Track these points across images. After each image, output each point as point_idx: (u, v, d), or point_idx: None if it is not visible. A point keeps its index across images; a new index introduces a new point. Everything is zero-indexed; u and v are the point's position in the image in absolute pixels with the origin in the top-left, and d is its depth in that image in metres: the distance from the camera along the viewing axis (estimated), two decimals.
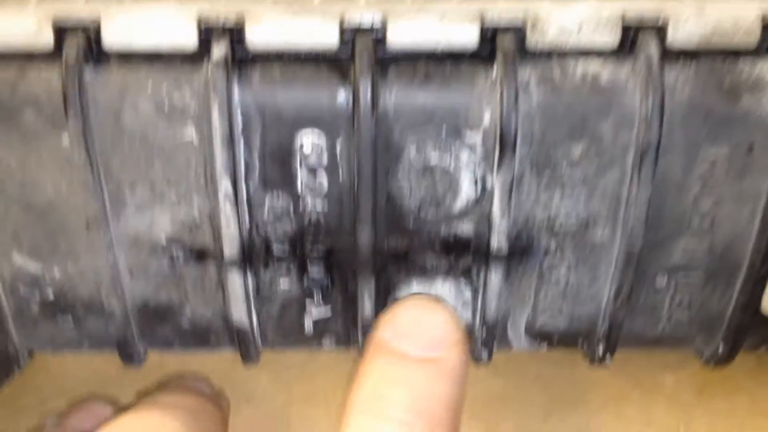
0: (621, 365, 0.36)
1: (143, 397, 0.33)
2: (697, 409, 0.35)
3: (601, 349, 0.33)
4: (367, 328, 0.32)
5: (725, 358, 0.34)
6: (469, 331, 0.33)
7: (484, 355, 0.34)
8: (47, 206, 0.30)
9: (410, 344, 0.27)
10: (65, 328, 0.33)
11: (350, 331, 0.33)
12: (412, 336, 0.27)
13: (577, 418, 0.35)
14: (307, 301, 0.32)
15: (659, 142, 0.28)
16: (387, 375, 0.26)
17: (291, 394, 0.35)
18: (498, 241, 0.30)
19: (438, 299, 0.30)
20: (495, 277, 0.31)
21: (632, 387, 0.36)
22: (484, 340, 0.33)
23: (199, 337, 0.33)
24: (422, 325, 0.27)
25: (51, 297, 0.32)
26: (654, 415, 0.35)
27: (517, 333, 0.33)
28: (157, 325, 0.33)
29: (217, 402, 0.33)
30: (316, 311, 0.33)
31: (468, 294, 0.32)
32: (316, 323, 0.33)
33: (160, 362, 0.36)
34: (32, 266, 0.31)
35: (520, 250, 0.31)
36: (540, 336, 0.34)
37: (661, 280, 0.32)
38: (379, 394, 0.26)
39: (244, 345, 0.33)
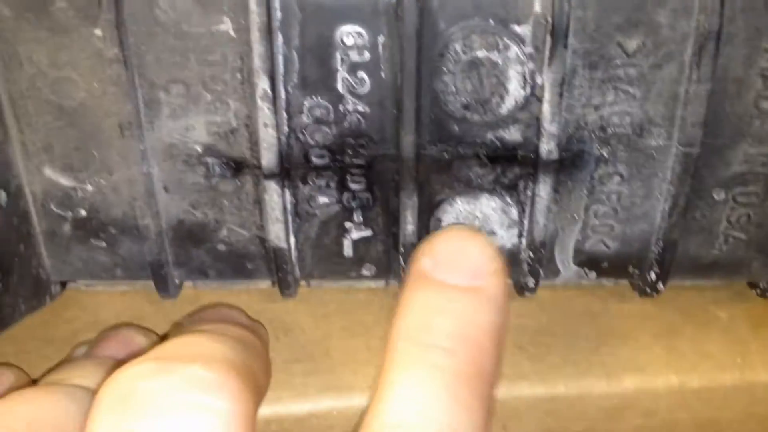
0: (670, 301, 0.33)
1: (179, 327, 0.30)
2: (753, 343, 0.31)
3: (653, 274, 0.30)
4: (409, 251, 0.29)
5: None
6: (515, 255, 0.30)
7: (531, 282, 0.30)
8: (79, 108, 0.27)
9: (451, 274, 0.25)
10: (98, 253, 0.30)
11: (391, 258, 0.30)
12: (453, 266, 0.25)
13: (627, 352, 0.31)
14: (347, 220, 0.29)
15: (720, 31, 0.25)
16: (429, 304, 0.24)
17: (329, 327, 0.32)
18: (547, 147, 0.27)
19: (476, 229, 0.27)
20: (543, 190, 0.28)
21: (684, 322, 0.32)
22: (530, 265, 0.30)
23: (236, 262, 0.30)
24: (462, 255, 0.25)
25: (83, 216, 0.29)
26: (709, 348, 0.31)
27: (565, 258, 0.30)
28: (193, 247, 0.30)
29: (257, 332, 0.30)
30: (356, 231, 0.29)
31: (514, 212, 0.29)
32: (356, 245, 0.30)
33: (195, 297, 0.33)
34: (64, 181, 0.29)
35: (571, 159, 0.28)
36: (589, 262, 0.30)
37: (719, 194, 0.28)
38: (422, 323, 0.24)
39: (281, 270, 0.30)
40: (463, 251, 0.25)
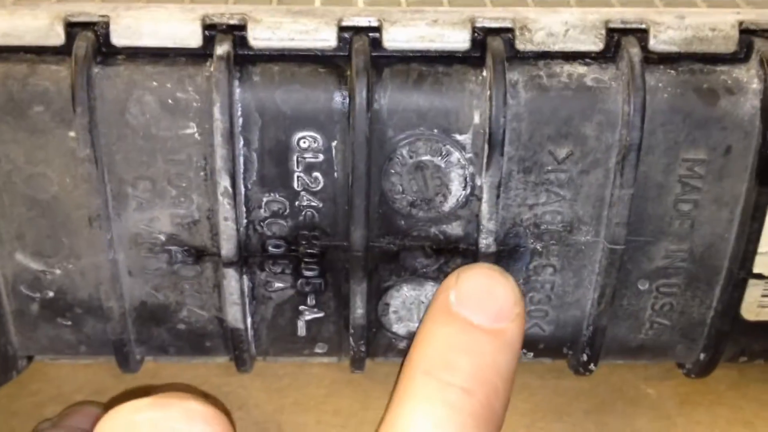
0: (604, 378, 0.36)
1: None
2: (678, 419, 0.34)
3: (585, 356, 0.33)
4: (359, 332, 0.32)
5: (706, 368, 0.34)
6: None
7: None
8: (52, 201, 0.30)
9: (476, 313, 0.27)
10: (64, 331, 0.33)
11: (342, 338, 0.33)
12: (478, 305, 0.27)
13: (560, 427, 0.34)
14: (301, 303, 0.32)
15: (641, 143, 0.28)
16: (452, 341, 0.26)
17: (282, 401, 0.35)
18: (486, 241, 0.30)
19: (501, 269, 0.29)
20: None
21: (615, 398, 0.35)
22: None
23: (195, 341, 0.33)
24: (488, 295, 0.27)
25: (51, 297, 0.32)
26: (637, 424, 0.34)
27: None
28: (154, 327, 0.32)
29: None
30: (309, 313, 0.32)
31: None
32: (309, 326, 0.32)
33: (156, 370, 0.35)
34: (34, 265, 0.31)
35: (508, 252, 0.31)
36: (526, 343, 0.33)
37: (643, 285, 0.32)
38: (444, 359, 0.26)
39: (238, 349, 0.33)
40: (490, 291, 0.27)
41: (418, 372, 0.26)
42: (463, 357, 0.26)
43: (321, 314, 0.32)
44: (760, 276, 0.31)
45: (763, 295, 0.32)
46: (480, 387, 0.25)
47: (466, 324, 0.27)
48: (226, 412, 0.33)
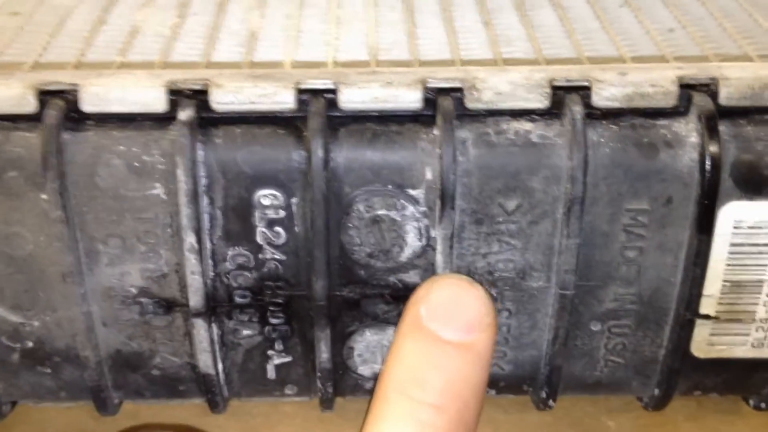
0: (567, 410, 0.37)
1: None
2: None
3: (544, 393, 0.35)
4: (325, 375, 0.34)
5: (661, 402, 0.35)
6: None
7: None
8: (28, 258, 0.31)
9: (446, 326, 0.27)
10: (44, 378, 0.34)
11: (311, 379, 0.35)
12: (449, 317, 0.27)
13: None
14: (269, 348, 0.34)
15: (584, 196, 0.30)
16: (422, 357, 0.27)
17: None
18: None
19: (471, 279, 0.30)
20: None
21: (577, 431, 0.37)
22: None
23: (169, 386, 0.35)
24: (458, 307, 0.28)
25: (31, 347, 0.33)
26: None
27: None
28: (129, 373, 0.34)
29: None
30: (278, 358, 0.34)
31: None
32: (278, 369, 0.34)
33: (135, 412, 0.37)
34: (13, 318, 0.33)
35: None
36: (488, 382, 0.35)
37: (595, 326, 0.33)
38: (414, 377, 0.26)
39: (210, 393, 0.34)
40: (460, 302, 0.28)
41: (390, 391, 0.26)
42: (434, 373, 0.27)
43: (289, 358, 0.34)
44: (707, 316, 0.33)
45: (712, 334, 0.33)
46: (451, 403, 0.26)
47: (437, 339, 0.27)
48: None
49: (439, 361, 0.27)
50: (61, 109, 0.30)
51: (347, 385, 0.35)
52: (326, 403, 0.35)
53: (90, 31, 0.36)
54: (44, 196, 0.30)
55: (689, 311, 0.32)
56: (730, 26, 0.35)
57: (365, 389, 0.35)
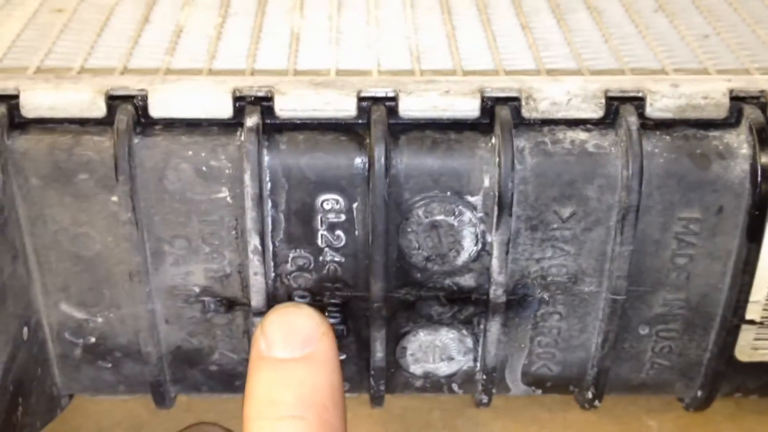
0: (609, 409, 0.38)
1: None
2: None
3: (590, 393, 0.36)
4: (378, 374, 0.35)
5: (704, 403, 0.36)
6: (471, 376, 0.35)
7: (485, 398, 0.36)
8: (95, 258, 0.32)
9: (284, 349, 0.29)
10: (104, 372, 0.35)
11: (363, 377, 0.36)
12: (284, 341, 0.29)
13: None
14: None
15: (639, 204, 0.31)
16: (270, 381, 0.28)
17: None
18: (497, 292, 0.33)
19: (296, 304, 0.32)
20: (494, 326, 0.34)
21: (619, 430, 0.38)
22: (484, 385, 0.35)
23: (226, 381, 0.36)
24: (291, 329, 0.29)
25: (93, 342, 0.34)
26: None
27: (514, 378, 0.36)
28: (188, 369, 0.35)
29: None
30: None
31: (470, 341, 0.34)
32: None
33: (189, 404, 0.38)
34: (78, 314, 0.34)
35: (517, 302, 0.33)
36: (535, 381, 0.36)
37: (644, 330, 0.34)
38: (268, 400, 0.28)
39: None
40: (290, 325, 0.29)
41: (250, 420, 0.28)
42: (284, 390, 0.28)
43: (343, 356, 0.35)
44: (752, 322, 0.33)
45: (756, 339, 0.34)
46: (308, 409, 0.27)
47: (278, 362, 0.29)
48: None
49: (286, 380, 0.28)
50: (131, 114, 0.31)
51: (398, 383, 0.36)
52: (377, 401, 0.36)
53: (135, 30, 0.37)
54: (114, 199, 0.31)
55: (736, 317, 0.33)
56: (763, 33, 0.36)
57: (415, 387, 0.36)
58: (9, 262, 0.32)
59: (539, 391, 0.36)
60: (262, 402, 0.28)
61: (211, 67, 0.34)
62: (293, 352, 0.29)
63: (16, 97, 0.31)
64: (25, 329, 0.33)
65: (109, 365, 0.35)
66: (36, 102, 0.31)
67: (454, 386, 0.36)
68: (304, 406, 0.28)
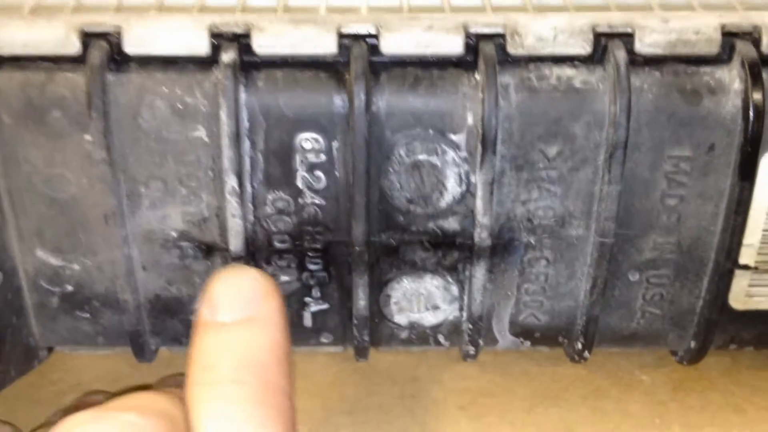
0: (600, 364, 0.38)
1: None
2: (671, 404, 0.36)
3: (579, 344, 0.35)
4: (362, 322, 0.34)
5: (697, 355, 0.36)
6: (458, 327, 0.35)
7: (472, 350, 0.35)
8: (70, 201, 0.32)
9: (227, 313, 0.28)
10: (82, 323, 0.35)
11: (346, 328, 0.35)
12: (227, 305, 0.28)
13: (557, 412, 0.36)
14: (306, 295, 0.34)
15: (627, 142, 0.30)
16: (210, 346, 0.27)
17: None
18: (481, 235, 0.32)
19: (240, 266, 0.30)
20: (479, 271, 0.33)
21: (610, 384, 0.37)
22: (470, 335, 0.35)
23: None
24: (232, 291, 0.28)
25: (70, 291, 0.34)
26: (630, 409, 0.36)
27: (501, 329, 0.35)
28: (168, 318, 0.35)
29: None
30: (315, 305, 0.34)
31: (455, 289, 0.34)
32: (315, 317, 0.34)
33: (170, 359, 0.37)
34: (54, 261, 0.33)
35: (502, 246, 0.33)
36: (523, 332, 0.35)
37: (634, 275, 0.33)
38: (206, 365, 0.27)
39: None
40: (233, 288, 0.28)
41: (191, 388, 0.26)
42: (223, 355, 0.27)
43: (326, 306, 0.34)
44: (746, 267, 0.33)
45: (750, 285, 0.33)
46: (248, 372, 0.26)
47: (220, 326, 0.27)
48: None
49: (226, 344, 0.27)
50: (105, 51, 0.30)
51: (383, 334, 0.35)
52: (361, 352, 0.35)
53: None
54: (88, 138, 0.30)
55: (729, 261, 0.32)
56: None
57: (400, 339, 0.35)
58: None
59: (528, 343, 0.36)
60: (200, 368, 0.27)
61: (201, 5, 0.33)
62: (235, 314, 0.28)
63: None
64: (0, 273, 0.32)
65: (87, 315, 0.34)
66: (9, 39, 0.30)
67: (441, 338, 0.35)
68: (244, 368, 0.26)
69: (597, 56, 0.30)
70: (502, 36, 0.30)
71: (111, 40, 0.30)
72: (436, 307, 0.34)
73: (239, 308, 0.28)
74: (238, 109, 0.30)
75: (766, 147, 0.30)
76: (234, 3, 0.33)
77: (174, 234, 0.32)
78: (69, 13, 0.31)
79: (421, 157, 0.31)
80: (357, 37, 0.30)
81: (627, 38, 0.30)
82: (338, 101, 0.30)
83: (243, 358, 0.27)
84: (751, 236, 0.32)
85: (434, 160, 0.31)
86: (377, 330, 0.35)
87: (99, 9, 0.32)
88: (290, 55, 0.30)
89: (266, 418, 0.26)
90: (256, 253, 0.33)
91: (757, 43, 0.30)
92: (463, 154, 0.31)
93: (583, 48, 0.30)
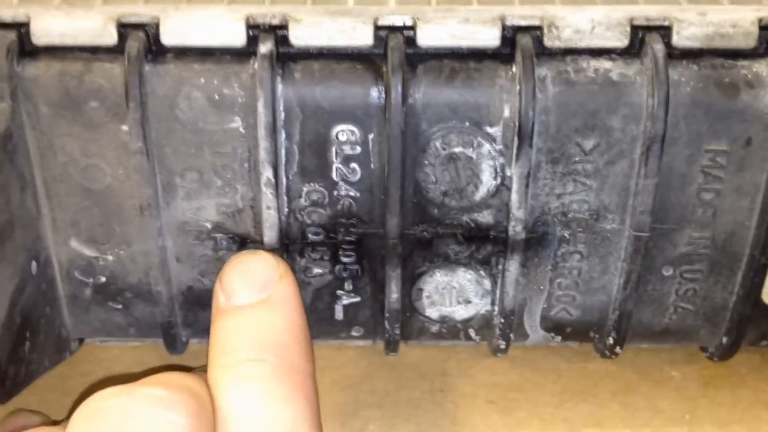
0: (630, 360, 0.38)
1: None
2: (702, 400, 0.36)
3: (611, 339, 0.35)
4: (394, 316, 0.34)
5: (728, 351, 0.35)
6: (489, 320, 0.35)
7: (502, 344, 0.35)
8: (105, 191, 0.32)
9: (241, 297, 0.28)
10: (115, 314, 0.35)
11: (377, 321, 0.35)
12: (241, 289, 0.29)
13: (587, 407, 0.36)
14: (339, 288, 0.34)
15: (664, 135, 0.30)
16: (228, 331, 0.28)
17: (321, 381, 0.36)
18: (516, 229, 0.32)
19: (252, 251, 0.31)
20: (512, 265, 0.33)
21: (640, 380, 0.37)
22: (502, 329, 0.35)
23: None
24: (245, 275, 0.29)
25: (103, 282, 0.34)
26: (660, 405, 0.36)
27: (533, 323, 0.35)
28: (200, 310, 0.35)
29: None
30: (347, 298, 0.34)
31: (487, 283, 0.34)
32: (346, 310, 0.34)
33: (201, 351, 0.37)
34: (88, 252, 0.33)
35: (536, 239, 0.33)
36: (555, 327, 0.35)
37: (667, 271, 0.33)
38: (226, 349, 0.27)
39: None
40: (247, 272, 0.29)
41: (213, 372, 0.27)
42: (242, 336, 0.27)
43: (358, 299, 0.34)
44: None
45: None
46: (268, 351, 0.27)
47: (236, 310, 0.28)
48: None
49: (243, 326, 0.28)
50: (143, 42, 0.30)
51: (414, 328, 0.35)
52: (392, 346, 0.35)
53: None
54: (125, 128, 0.30)
55: (763, 256, 0.32)
56: None
57: (431, 332, 0.35)
58: (18, 192, 0.31)
59: (558, 338, 0.35)
60: (220, 351, 0.27)
61: None
62: (251, 296, 0.28)
63: (27, 24, 0.30)
64: (34, 263, 0.32)
65: (120, 306, 0.35)
66: (46, 29, 0.30)
67: (471, 332, 0.35)
68: (264, 348, 0.27)
69: (634, 49, 0.30)
70: (539, 28, 0.30)
71: (148, 31, 0.30)
72: (468, 301, 0.34)
73: (254, 291, 0.28)
74: (275, 100, 0.30)
75: None
76: None
77: (208, 225, 0.32)
78: (101, 3, 0.31)
79: (457, 149, 0.31)
80: (393, 29, 0.30)
81: (664, 31, 0.30)
82: (374, 93, 0.30)
83: (262, 338, 0.27)
84: None
85: (470, 152, 0.31)
86: (408, 324, 0.35)
87: None
88: (326, 47, 0.30)
89: (288, 396, 0.26)
90: (290, 245, 0.33)
91: None
92: (499, 146, 0.31)
93: (620, 41, 0.30)
